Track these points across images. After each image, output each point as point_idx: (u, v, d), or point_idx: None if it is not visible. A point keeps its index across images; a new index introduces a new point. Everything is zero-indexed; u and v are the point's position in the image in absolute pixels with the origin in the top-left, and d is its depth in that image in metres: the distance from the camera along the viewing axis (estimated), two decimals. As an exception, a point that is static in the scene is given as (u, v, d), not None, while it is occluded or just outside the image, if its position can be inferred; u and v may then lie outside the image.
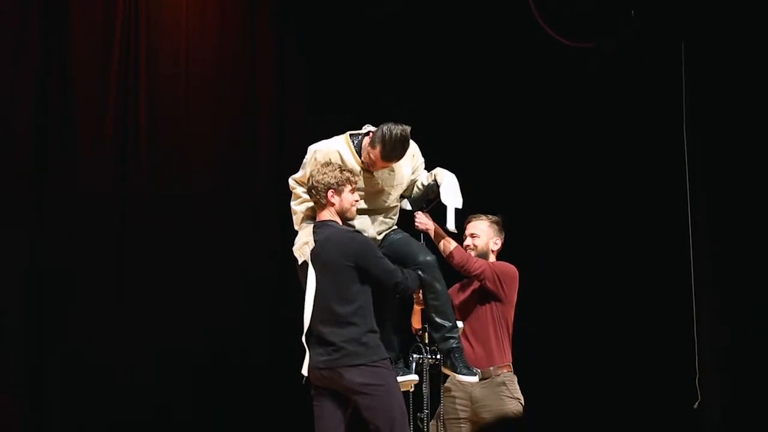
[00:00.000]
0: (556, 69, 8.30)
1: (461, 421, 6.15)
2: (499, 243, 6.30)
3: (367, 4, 7.93)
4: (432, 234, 5.92)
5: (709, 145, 8.13)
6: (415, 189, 5.91)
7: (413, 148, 5.77)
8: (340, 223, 5.58)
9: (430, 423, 5.86)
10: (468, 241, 6.25)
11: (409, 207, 5.91)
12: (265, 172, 7.86)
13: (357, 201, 5.64)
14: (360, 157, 5.67)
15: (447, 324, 5.72)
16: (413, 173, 5.84)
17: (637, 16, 7.95)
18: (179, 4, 7.63)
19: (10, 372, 6.93)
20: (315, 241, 5.54)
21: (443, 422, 6.07)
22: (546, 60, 8.23)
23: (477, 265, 6.06)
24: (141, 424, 7.27)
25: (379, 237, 5.81)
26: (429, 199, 5.87)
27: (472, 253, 6.19)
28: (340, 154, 5.68)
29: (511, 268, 6.19)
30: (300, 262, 5.63)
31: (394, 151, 5.54)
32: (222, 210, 7.68)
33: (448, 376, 6.12)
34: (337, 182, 5.53)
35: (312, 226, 5.65)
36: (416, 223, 5.90)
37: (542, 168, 8.46)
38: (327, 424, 5.51)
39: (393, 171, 5.74)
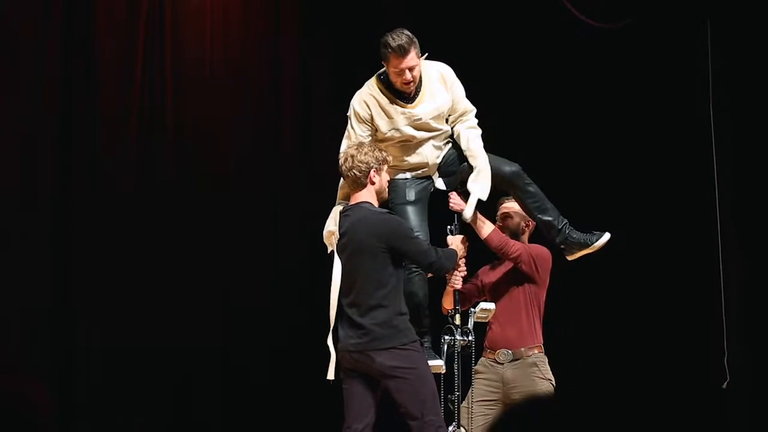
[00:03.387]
0: (579, 49, 8.25)
1: (492, 402, 6.12)
2: (531, 223, 6.28)
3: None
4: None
5: (737, 127, 8.08)
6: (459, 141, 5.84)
7: (443, 72, 5.74)
8: (376, 203, 5.55)
9: (461, 405, 5.84)
10: (500, 222, 6.25)
11: (443, 187, 5.86)
12: (289, 157, 7.82)
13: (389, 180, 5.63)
14: (392, 92, 5.65)
15: (553, 219, 5.84)
16: (453, 101, 5.77)
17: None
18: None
19: (39, 359, 6.93)
20: (344, 225, 5.51)
21: (474, 404, 6.07)
22: (570, 40, 8.18)
23: (515, 248, 6.04)
24: (168, 409, 7.31)
25: (439, 160, 5.81)
26: (463, 180, 5.81)
27: (507, 234, 6.18)
28: (376, 100, 5.67)
29: (545, 251, 6.18)
30: (329, 251, 5.63)
31: (399, 44, 5.51)
32: (245, 196, 7.64)
33: (479, 358, 6.12)
34: (377, 161, 5.50)
35: (340, 209, 5.62)
36: (450, 204, 5.85)
37: (568, 151, 8.39)
38: (356, 406, 5.49)
39: (433, 100, 5.69)
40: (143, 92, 7.36)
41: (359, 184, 5.52)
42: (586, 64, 8.27)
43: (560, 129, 8.35)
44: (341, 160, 5.55)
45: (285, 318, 7.61)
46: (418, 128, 5.70)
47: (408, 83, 5.59)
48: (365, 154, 5.49)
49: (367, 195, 5.53)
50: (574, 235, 5.85)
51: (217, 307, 7.47)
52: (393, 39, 5.52)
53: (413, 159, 5.78)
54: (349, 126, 5.72)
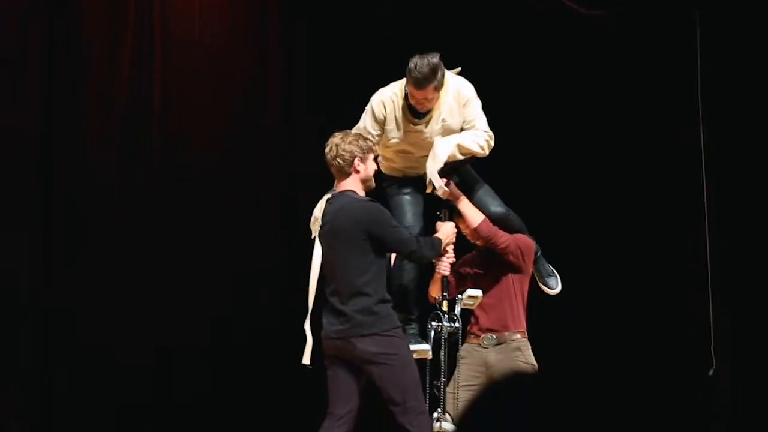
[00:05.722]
0: (565, 42, 8.23)
1: (476, 387, 6.09)
2: None
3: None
4: (457, 202, 5.91)
5: (725, 121, 8.07)
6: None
7: (461, 89, 5.66)
8: (361, 192, 5.57)
9: (446, 390, 5.86)
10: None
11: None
12: (274, 145, 7.83)
13: (376, 169, 5.64)
14: (408, 104, 5.62)
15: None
16: (464, 122, 5.73)
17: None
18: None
19: (15, 382, 6.91)
20: (327, 212, 5.53)
21: (458, 389, 6.06)
22: (555, 32, 8.17)
23: (503, 240, 6.06)
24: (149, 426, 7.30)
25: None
26: (453, 167, 5.81)
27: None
28: (394, 106, 5.66)
29: (530, 242, 6.21)
30: (312, 237, 5.64)
31: (417, 77, 5.45)
32: (231, 186, 7.65)
33: (464, 343, 6.11)
34: (362, 150, 5.51)
35: (326, 197, 5.63)
36: (440, 192, 5.84)
37: (555, 151, 8.38)
38: (340, 392, 5.53)
39: (442, 120, 5.67)
40: (131, 83, 7.35)
41: (344, 172, 5.54)
42: (571, 59, 8.26)
43: (543, 125, 8.35)
44: (326, 149, 5.56)
45: (277, 302, 7.60)
46: (421, 146, 5.71)
47: (421, 106, 5.59)
48: (349, 143, 5.51)
49: (352, 183, 5.55)
50: (539, 267, 6.22)
51: (212, 305, 7.48)
52: (416, 67, 5.45)
53: (410, 167, 5.80)
54: (363, 118, 5.74)
